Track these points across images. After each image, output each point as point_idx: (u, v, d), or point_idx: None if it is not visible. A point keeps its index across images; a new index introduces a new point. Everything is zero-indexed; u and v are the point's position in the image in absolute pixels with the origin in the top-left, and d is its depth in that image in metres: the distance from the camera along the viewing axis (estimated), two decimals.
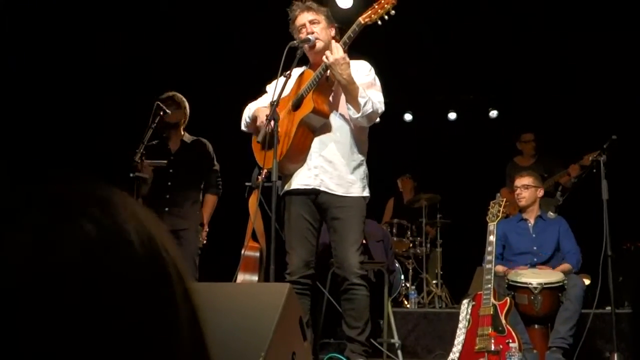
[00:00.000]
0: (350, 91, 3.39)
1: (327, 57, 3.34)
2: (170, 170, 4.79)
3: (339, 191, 3.51)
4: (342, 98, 3.51)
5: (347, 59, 3.34)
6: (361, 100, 3.39)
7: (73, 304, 0.49)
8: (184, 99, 4.95)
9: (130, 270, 0.53)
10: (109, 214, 0.53)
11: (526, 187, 4.76)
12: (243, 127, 3.82)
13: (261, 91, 3.84)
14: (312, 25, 3.54)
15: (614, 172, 4.50)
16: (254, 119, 3.66)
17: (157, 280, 0.55)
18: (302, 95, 3.50)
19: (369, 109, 3.41)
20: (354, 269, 3.45)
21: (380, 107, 3.51)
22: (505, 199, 4.50)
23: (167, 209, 4.68)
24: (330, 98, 3.56)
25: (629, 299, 5.50)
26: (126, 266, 0.52)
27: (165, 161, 4.73)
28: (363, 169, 3.61)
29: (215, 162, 4.97)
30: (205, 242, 4.86)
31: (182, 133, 4.96)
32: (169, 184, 4.78)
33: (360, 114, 3.41)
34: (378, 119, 3.63)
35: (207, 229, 4.91)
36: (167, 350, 0.54)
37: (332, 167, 3.52)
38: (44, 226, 0.49)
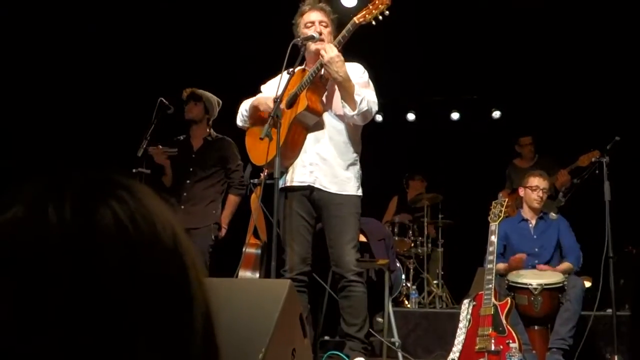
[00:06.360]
0: (347, 88, 3.42)
1: (322, 56, 3.36)
2: (191, 169, 4.74)
3: (333, 189, 3.54)
4: (337, 97, 3.54)
5: (341, 56, 3.37)
6: (357, 98, 3.43)
7: (106, 270, 0.52)
8: (206, 94, 4.85)
9: (155, 248, 0.55)
10: (135, 198, 0.57)
11: (545, 190, 4.76)
12: (239, 122, 3.83)
13: (256, 91, 3.83)
14: (320, 26, 3.57)
15: (616, 174, 4.49)
16: (252, 108, 3.67)
17: (177, 269, 0.57)
18: (296, 93, 3.53)
19: (364, 107, 3.44)
20: (351, 266, 3.48)
21: (374, 107, 3.55)
22: (507, 200, 4.50)
23: (182, 206, 4.61)
24: (324, 97, 3.59)
25: (629, 302, 5.48)
26: (151, 243, 0.55)
27: (176, 149, 4.67)
28: (357, 167, 3.64)
29: (240, 162, 4.81)
30: (219, 237, 4.74)
31: (207, 130, 4.86)
32: (187, 181, 4.71)
33: (356, 112, 3.44)
34: (380, 117, 3.65)
35: (226, 228, 4.80)
36: (182, 342, 0.55)
37: (326, 164, 3.55)
38: (80, 200, 0.54)
